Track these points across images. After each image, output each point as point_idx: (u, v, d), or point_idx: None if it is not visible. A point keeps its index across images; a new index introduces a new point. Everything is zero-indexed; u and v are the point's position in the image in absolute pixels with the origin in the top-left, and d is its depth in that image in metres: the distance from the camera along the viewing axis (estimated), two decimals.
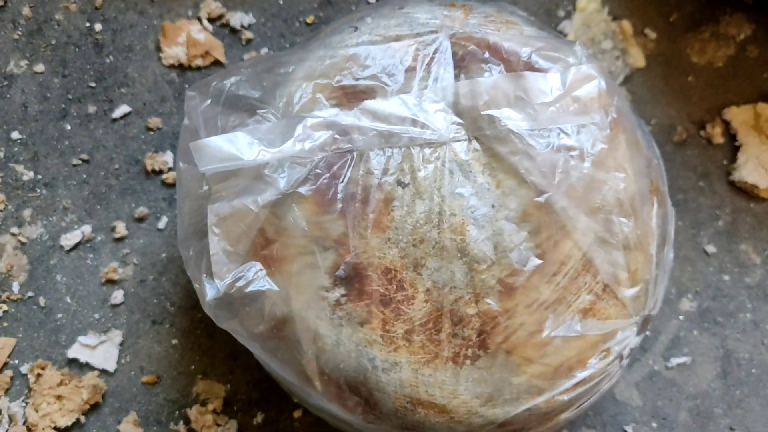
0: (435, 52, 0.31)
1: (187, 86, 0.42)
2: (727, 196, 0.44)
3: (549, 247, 0.29)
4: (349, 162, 0.29)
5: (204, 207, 0.29)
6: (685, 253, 0.42)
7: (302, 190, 0.28)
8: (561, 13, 0.45)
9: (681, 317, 0.42)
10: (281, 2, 0.43)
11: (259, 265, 0.28)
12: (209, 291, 0.28)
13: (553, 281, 0.29)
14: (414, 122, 0.30)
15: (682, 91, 0.45)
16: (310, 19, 0.43)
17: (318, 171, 0.28)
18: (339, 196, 0.28)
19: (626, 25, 0.45)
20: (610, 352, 0.29)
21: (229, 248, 0.28)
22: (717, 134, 0.44)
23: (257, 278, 0.28)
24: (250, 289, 0.28)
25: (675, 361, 0.41)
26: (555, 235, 0.30)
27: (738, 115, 0.44)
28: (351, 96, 0.30)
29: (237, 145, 0.28)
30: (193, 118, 0.30)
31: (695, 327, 0.42)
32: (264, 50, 0.42)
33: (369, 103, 0.30)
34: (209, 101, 0.30)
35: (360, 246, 0.29)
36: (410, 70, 0.31)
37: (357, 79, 0.30)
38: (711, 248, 0.43)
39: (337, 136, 0.29)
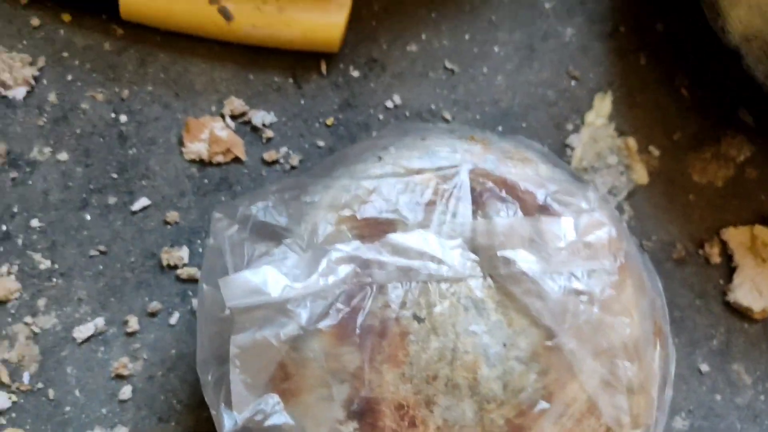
0: (454, 188, 0.33)
1: (206, 182, 0.43)
2: (722, 316, 0.45)
3: (556, 389, 0.31)
4: (368, 295, 0.30)
5: (224, 332, 0.30)
6: (680, 372, 0.44)
7: (323, 325, 0.29)
8: (569, 127, 0.47)
9: None
10: (302, 103, 0.44)
11: (276, 398, 0.29)
12: (227, 422, 0.29)
13: (559, 423, 0.30)
14: (432, 257, 0.31)
15: (682, 209, 0.46)
16: (329, 121, 0.44)
17: (339, 305, 0.29)
18: (357, 331, 0.29)
19: (631, 141, 0.47)
20: None
21: (249, 381, 0.29)
22: (715, 254, 0.46)
23: (275, 412, 0.29)
24: (267, 423, 0.29)
25: None
26: (562, 376, 0.31)
27: (735, 237, 0.46)
28: (373, 228, 0.32)
29: (264, 281, 0.29)
30: (220, 242, 0.31)
31: None
32: (283, 149, 0.44)
33: (391, 237, 0.31)
34: (236, 227, 0.31)
35: (375, 380, 0.29)
36: (430, 204, 0.32)
37: (380, 212, 0.32)
38: (705, 367, 0.44)
39: (358, 269, 0.30)
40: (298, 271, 0.29)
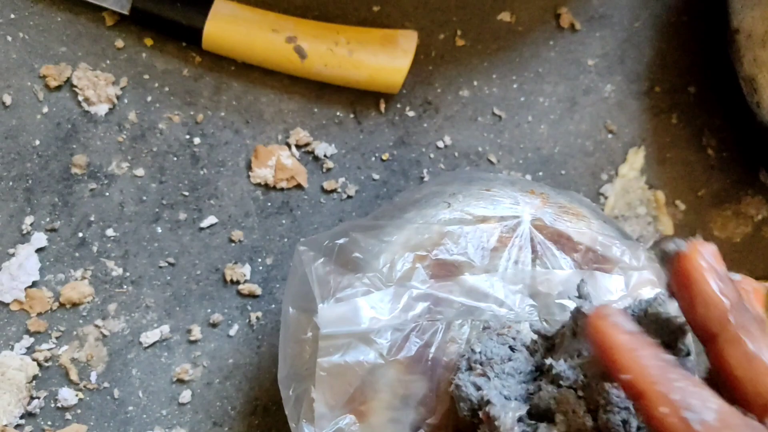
0: (516, 237, 0.36)
1: (269, 204, 0.46)
2: None
3: None
4: (439, 330, 0.34)
5: (305, 351, 0.33)
6: None
7: (401, 356, 0.32)
8: (604, 177, 0.50)
9: None
10: (361, 137, 0.48)
11: (354, 418, 0.32)
12: None
13: None
14: (496, 299, 0.34)
15: None
16: (385, 156, 0.48)
17: (415, 339, 0.33)
18: (429, 363, 0.33)
19: (660, 194, 0.51)
20: None
21: (330, 400, 0.32)
22: None
23: (351, 431, 0.32)
24: None
25: None
26: None
27: None
28: (443, 268, 0.35)
29: (355, 312, 0.32)
30: (305, 270, 0.34)
31: None
32: (341, 179, 0.47)
33: (462, 279, 0.34)
34: (322, 258, 0.34)
35: (440, 409, 0.33)
36: (494, 251, 0.36)
37: (451, 255, 0.35)
38: None
39: (432, 306, 0.34)
40: (383, 305, 0.32)
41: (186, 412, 0.43)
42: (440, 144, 0.49)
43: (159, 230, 0.44)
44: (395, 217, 0.37)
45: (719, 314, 0.24)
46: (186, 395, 0.42)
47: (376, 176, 0.48)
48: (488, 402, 0.28)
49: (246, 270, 0.45)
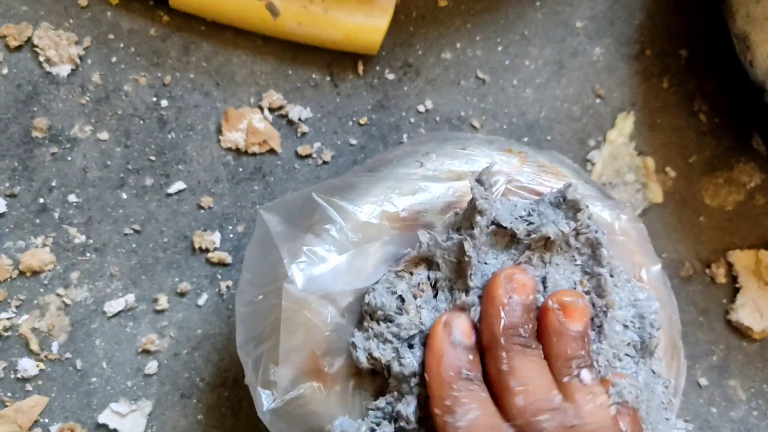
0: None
1: (240, 170, 0.44)
2: (723, 333, 0.47)
3: None
4: None
5: (259, 315, 0.32)
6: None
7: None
8: (591, 143, 0.48)
9: None
10: (338, 101, 0.46)
11: (316, 384, 0.30)
12: (265, 401, 0.30)
13: None
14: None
15: (692, 229, 0.48)
16: (363, 120, 0.46)
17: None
18: None
19: (649, 161, 0.49)
20: None
21: (293, 365, 0.30)
22: (720, 274, 0.48)
23: (313, 398, 0.30)
24: (305, 407, 0.30)
25: None
26: None
27: (741, 259, 0.48)
28: (412, 225, 0.33)
29: (322, 273, 0.31)
30: (267, 235, 0.32)
31: None
32: (317, 144, 0.45)
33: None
34: (284, 222, 0.32)
35: None
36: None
37: (421, 213, 0.33)
38: (703, 381, 0.46)
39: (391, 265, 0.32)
40: (348, 265, 0.31)
41: (152, 383, 0.41)
42: (421, 108, 0.47)
43: (124, 196, 0.43)
44: (366, 176, 0.35)
45: (494, 331, 0.29)
46: (152, 366, 0.41)
47: (353, 141, 0.46)
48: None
49: (216, 237, 0.43)
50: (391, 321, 0.30)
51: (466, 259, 0.31)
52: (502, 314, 0.29)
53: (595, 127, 0.48)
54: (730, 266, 0.48)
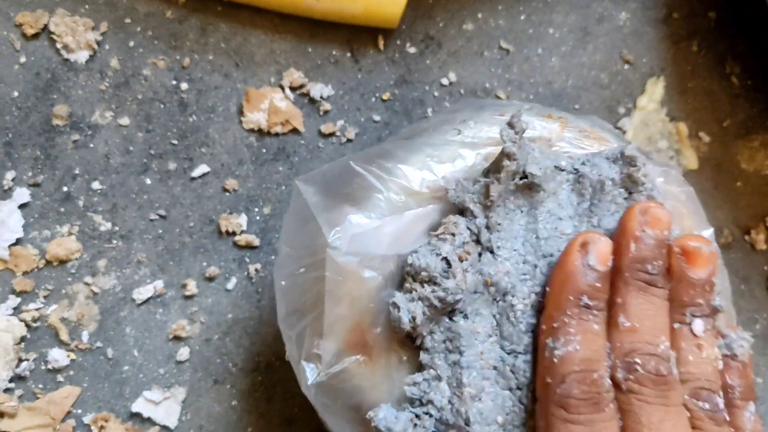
0: None
1: (264, 151, 0.43)
2: (765, 301, 0.46)
3: None
4: None
5: (303, 288, 0.31)
6: None
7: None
8: (621, 110, 0.47)
9: None
10: (359, 77, 0.45)
11: (361, 357, 0.30)
12: (309, 374, 0.29)
13: None
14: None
15: (730, 195, 0.47)
16: (385, 96, 0.45)
17: None
18: None
19: (682, 127, 0.47)
20: None
21: (337, 336, 0.29)
22: (760, 240, 0.46)
23: (357, 372, 0.29)
24: (349, 381, 0.29)
25: None
26: None
27: None
28: None
29: (363, 239, 0.30)
30: (304, 206, 0.31)
31: None
32: (340, 122, 0.44)
33: None
34: (320, 192, 0.32)
35: None
36: None
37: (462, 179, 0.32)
38: None
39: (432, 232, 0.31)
40: (390, 231, 0.30)
41: (184, 370, 0.40)
42: (444, 81, 0.46)
43: (148, 181, 0.42)
44: (402, 146, 0.34)
45: (620, 263, 0.29)
46: (184, 353, 0.40)
47: (376, 117, 0.45)
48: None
49: (242, 220, 0.42)
50: (436, 284, 0.29)
51: (489, 203, 0.30)
52: (632, 246, 0.28)
53: (625, 93, 0.47)
54: None
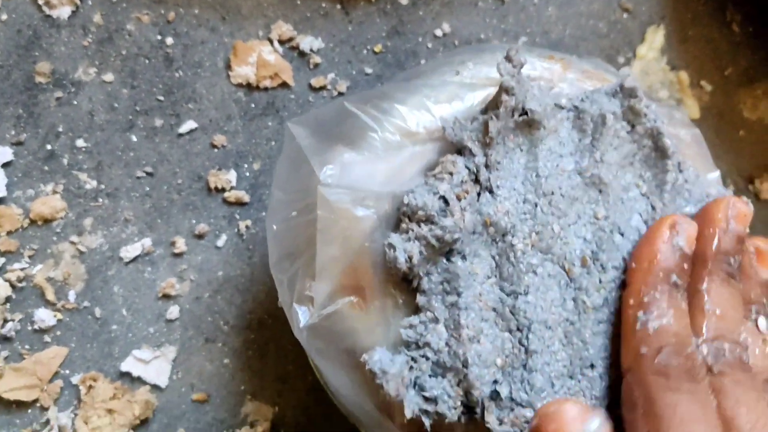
0: None
1: (253, 106, 0.42)
2: None
3: None
4: None
5: (295, 231, 0.30)
6: None
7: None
8: (621, 60, 0.46)
9: None
10: (350, 29, 0.44)
11: (353, 299, 0.28)
12: (302, 317, 0.28)
13: None
14: None
15: (733, 144, 0.46)
16: (377, 48, 0.44)
17: None
18: None
19: (683, 75, 0.46)
20: None
21: (329, 277, 0.28)
22: (765, 190, 0.45)
23: (350, 314, 0.28)
24: (341, 323, 0.28)
25: None
26: None
27: None
28: None
29: (357, 177, 0.29)
30: (296, 148, 0.30)
31: None
32: (331, 75, 0.43)
33: None
34: (313, 134, 0.30)
35: None
36: None
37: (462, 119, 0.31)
38: None
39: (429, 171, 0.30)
40: (384, 169, 0.29)
41: (175, 328, 0.39)
42: (438, 32, 0.44)
43: (134, 138, 0.41)
44: (400, 88, 0.33)
45: (705, 252, 0.29)
46: (174, 311, 0.39)
47: (368, 70, 0.43)
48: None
49: (231, 176, 0.41)
50: (434, 223, 0.28)
51: (488, 140, 0.28)
52: (717, 238, 0.29)
53: (624, 43, 0.46)
54: None
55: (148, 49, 0.42)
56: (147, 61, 0.42)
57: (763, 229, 0.45)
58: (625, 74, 0.31)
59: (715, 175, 0.34)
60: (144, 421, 0.38)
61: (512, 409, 0.27)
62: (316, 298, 0.28)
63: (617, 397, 0.28)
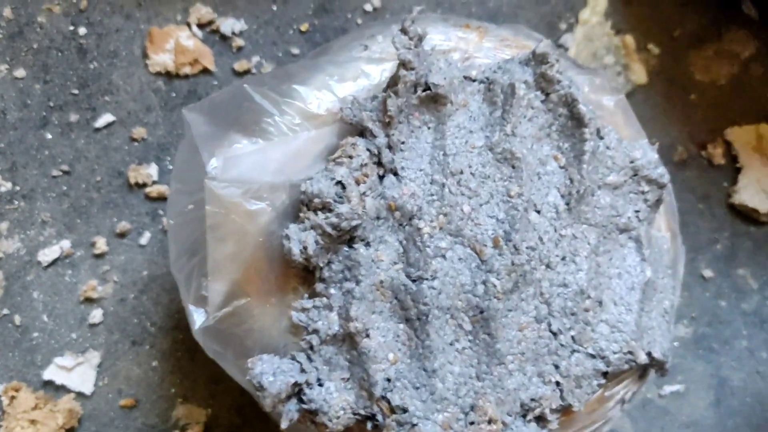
0: None
1: (173, 95, 0.40)
2: (726, 219, 0.43)
3: None
4: None
5: (190, 225, 0.28)
6: (683, 278, 0.41)
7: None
8: (563, 26, 0.44)
9: (676, 343, 0.41)
10: (274, 9, 0.41)
11: (250, 300, 0.27)
12: (197, 318, 0.27)
13: None
14: None
15: (684, 109, 0.44)
16: (304, 27, 0.42)
17: None
18: None
19: (629, 39, 0.44)
20: (614, 398, 0.28)
21: (224, 275, 0.27)
22: (718, 155, 0.43)
23: (248, 316, 0.27)
24: (239, 325, 0.26)
25: (668, 389, 0.40)
26: None
27: (740, 136, 0.43)
28: None
29: (249, 167, 0.27)
30: (190, 137, 0.28)
31: (690, 354, 0.41)
32: (255, 58, 0.41)
33: None
34: (210, 120, 0.29)
35: None
36: None
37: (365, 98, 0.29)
38: (708, 273, 0.42)
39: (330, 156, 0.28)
40: (279, 158, 0.27)
41: (99, 333, 0.38)
42: (368, 7, 0.42)
43: (48, 136, 0.39)
44: (305, 67, 0.31)
45: None
46: (97, 315, 0.37)
47: (295, 51, 0.41)
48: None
49: (153, 170, 0.39)
50: (330, 210, 0.26)
51: (388, 119, 0.26)
52: None
53: (566, 8, 0.44)
54: (728, 145, 0.43)
55: (60, 41, 0.40)
56: (59, 54, 0.40)
57: (716, 195, 0.43)
58: (538, 39, 0.29)
59: (644, 142, 0.32)
60: (70, 430, 0.36)
61: (414, 425, 0.26)
62: (210, 299, 0.26)
63: (530, 398, 0.27)
